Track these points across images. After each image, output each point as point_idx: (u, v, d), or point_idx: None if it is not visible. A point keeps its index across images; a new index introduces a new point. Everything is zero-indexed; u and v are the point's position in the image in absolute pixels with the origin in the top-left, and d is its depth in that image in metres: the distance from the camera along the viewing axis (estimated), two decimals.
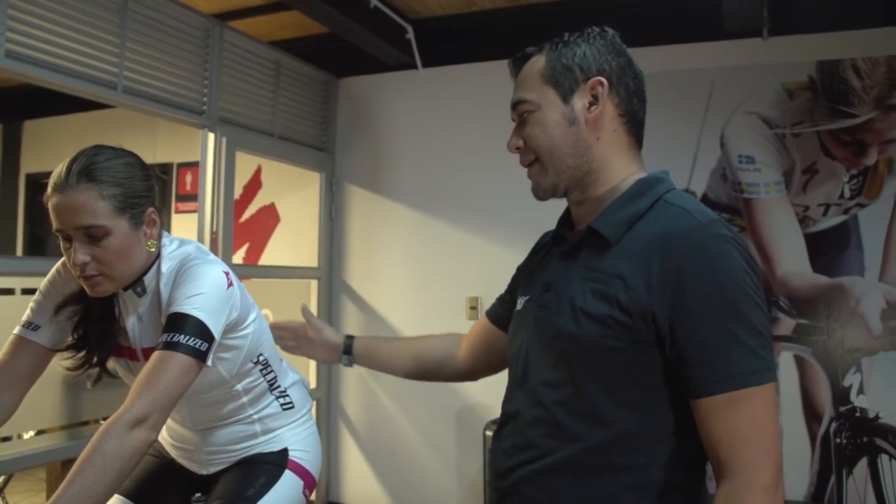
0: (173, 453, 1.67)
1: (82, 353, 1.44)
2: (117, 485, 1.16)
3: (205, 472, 1.63)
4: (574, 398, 1.12)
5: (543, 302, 1.20)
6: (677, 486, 1.11)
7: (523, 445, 1.17)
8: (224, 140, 3.23)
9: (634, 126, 1.23)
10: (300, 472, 1.61)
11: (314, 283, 3.90)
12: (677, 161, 3.34)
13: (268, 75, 3.56)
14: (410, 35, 3.69)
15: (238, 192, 4.19)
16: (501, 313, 1.47)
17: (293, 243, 4.13)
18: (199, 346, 1.27)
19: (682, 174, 3.33)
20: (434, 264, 3.68)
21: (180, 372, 1.24)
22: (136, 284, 1.41)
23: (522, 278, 1.40)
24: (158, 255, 1.44)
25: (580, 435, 1.11)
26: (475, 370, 1.56)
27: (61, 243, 1.34)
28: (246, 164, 4.02)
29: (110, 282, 1.35)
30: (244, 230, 4.23)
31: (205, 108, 3.15)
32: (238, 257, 4.14)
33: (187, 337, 1.26)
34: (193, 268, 1.37)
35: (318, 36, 3.88)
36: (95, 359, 1.44)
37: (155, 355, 1.25)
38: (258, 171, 4.26)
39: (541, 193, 1.24)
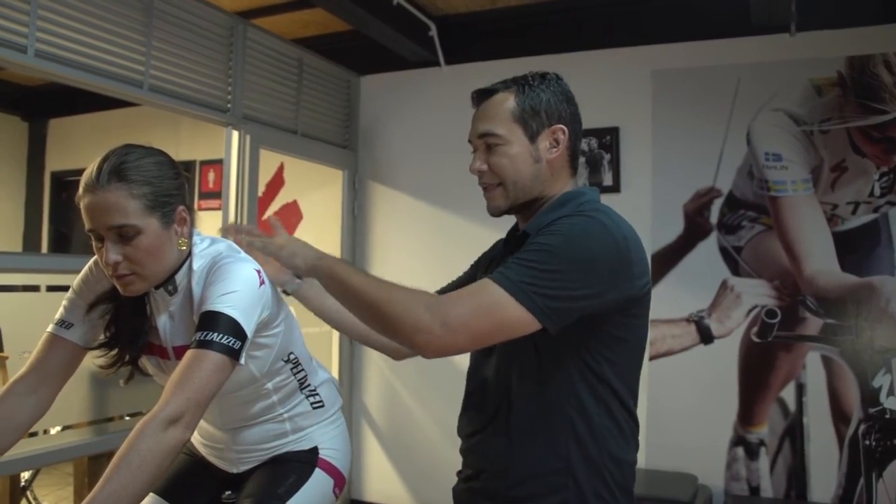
0: (204, 451, 1.67)
1: (114, 352, 1.44)
2: (153, 483, 1.16)
3: (235, 471, 1.62)
4: None
5: None
6: None
7: None
8: (248, 137, 3.24)
9: (575, 160, 1.45)
10: (330, 470, 1.61)
11: None
12: (702, 158, 3.31)
13: (291, 73, 3.57)
14: (433, 32, 3.68)
15: (261, 189, 4.19)
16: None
17: (316, 240, 4.06)
18: (233, 344, 1.27)
19: (708, 172, 3.30)
20: (455, 262, 3.61)
21: (214, 370, 1.23)
22: (168, 283, 1.41)
23: (481, 270, 1.55)
24: (190, 254, 1.44)
25: None
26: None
27: (93, 243, 1.34)
28: (269, 162, 4.03)
29: (142, 281, 1.35)
30: (267, 227, 4.24)
31: (229, 105, 3.16)
32: None
33: (220, 335, 1.26)
34: (225, 266, 1.37)
35: (341, 33, 3.89)
36: (127, 357, 1.44)
37: (188, 354, 1.25)
38: (281, 169, 4.27)
39: (497, 213, 1.43)
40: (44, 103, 5.03)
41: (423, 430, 3.77)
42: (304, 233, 4.20)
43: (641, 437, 1.43)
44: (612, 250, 1.25)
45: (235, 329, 1.28)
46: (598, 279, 1.23)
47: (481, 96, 1.42)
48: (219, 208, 3.35)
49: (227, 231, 1.59)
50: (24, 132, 5.23)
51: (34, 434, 2.51)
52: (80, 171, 1.34)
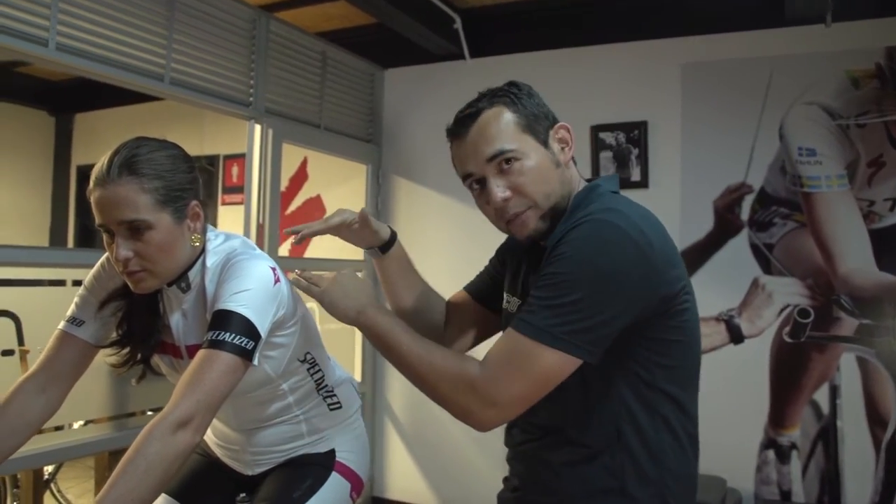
0: (218, 452, 1.64)
1: (126, 350, 1.41)
2: (161, 488, 1.12)
3: (250, 473, 1.59)
4: None
5: None
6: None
7: None
8: (270, 132, 3.21)
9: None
10: (347, 474, 1.57)
11: (359, 276, 3.87)
12: (733, 153, 3.22)
13: (314, 66, 3.54)
14: (458, 25, 3.63)
15: (284, 183, 4.18)
16: (484, 290, 1.58)
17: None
18: (245, 344, 1.23)
19: (739, 167, 3.21)
20: (480, 258, 3.58)
21: (225, 371, 1.20)
22: (181, 280, 1.38)
23: (509, 272, 1.47)
24: (203, 250, 1.40)
25: None
26: (463, 348, 1.60)
27: (104, 238, 1.30)
28: (292, 156, 4.00)
29: (153, 277, 1.31)
30: (290, 222, 4.22)
31: (251, 99, 3.13)
32: (284, 249, 4.13)
33: (233, 335, 1.22)
34: (239, 263, 1.33)
35: (365, 26, 3.84)
36: (139, 356, 1.41)
37: (200, 354, 1.21)
38: (304, 163, 4.25)
39: (535, 236, 1.30)
40: (70, 98, 5.06)
41: (446, 429, 3.72)
42: None
43: None
44: (631, 254, 1.14)
45: (248, 329, 1.24)
46: (626, 291, 1.14)
47: (465, 122, 1.30)
48: (242, 203, 3.33)
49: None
50: (51, 126, 5.27)
51: (60, 428, 2.51)
52: None
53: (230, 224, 4.43)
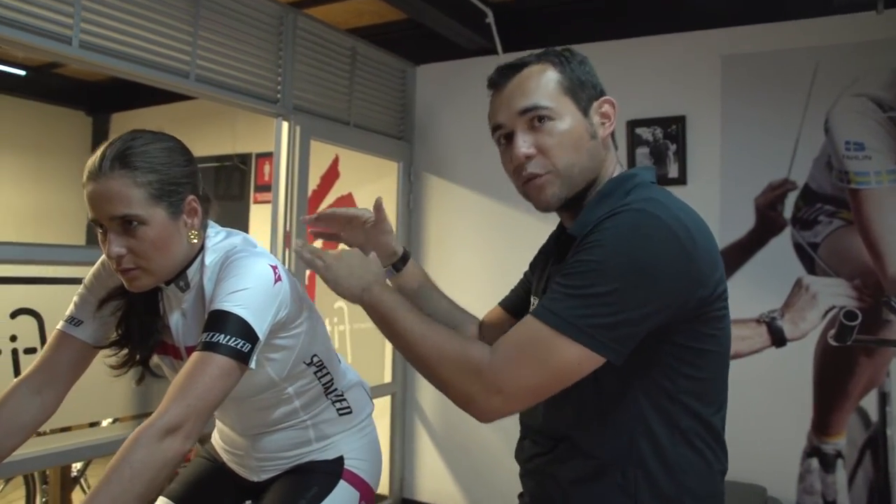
0: (225, 457, 1.59)
1: (125, 351, 1.37)
2: (146, 496, 1.07)
3: (256, 479, 1.53)
4: None
5: None
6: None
7: None
8: (298, 129, 3.17)
9: (613, 140, 1.29)
10: (356, 482, 1.50)
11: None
12: (776, 148, 3.09)
13: (343, 63, 3.49)
14: (490, 19, 3.55)
15: (315, 182, 4.14)
16: (518, 303, 1.51)
17: None
18: (241, 346, 1.16)
19: (782, 163, 3.08)
20: (514, 257, 3.49)
21: (219, 375, 1.13)
22: (179, 278, 1.32)
23: (536, 275, 1.41)
24: (202, 247, 1.34)
25: None
26: None
27: (98, 235, 1.26)
28: (324, 154, 3.97)
29: (148, 275, 1.26)
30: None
31: (279, 96, 3.09)
32: (316, 245, 4.10)
33: (228, 337, 1.16)
34: (238, 261, 1.26)
35: (396, 22, 3.81)
36: (138, 357, 1.37)
37: (193, 356, 1.16)
38: (336, 161, 4.21)
39: (553, 204, 1.22)
40: (106, 98, 5.12)
41: (477, 430, 3.65)
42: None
43: None
44: (671, 248, 1.05)
45: (245, 330, 1.18)
46: (662, 288, 1.04)
47: (507, 73, 1.23)
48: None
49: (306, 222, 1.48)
50: (88, 126, 5.32)
51: (95, 424, 2.50)
52: None
53: (262, 222, 4.42)
